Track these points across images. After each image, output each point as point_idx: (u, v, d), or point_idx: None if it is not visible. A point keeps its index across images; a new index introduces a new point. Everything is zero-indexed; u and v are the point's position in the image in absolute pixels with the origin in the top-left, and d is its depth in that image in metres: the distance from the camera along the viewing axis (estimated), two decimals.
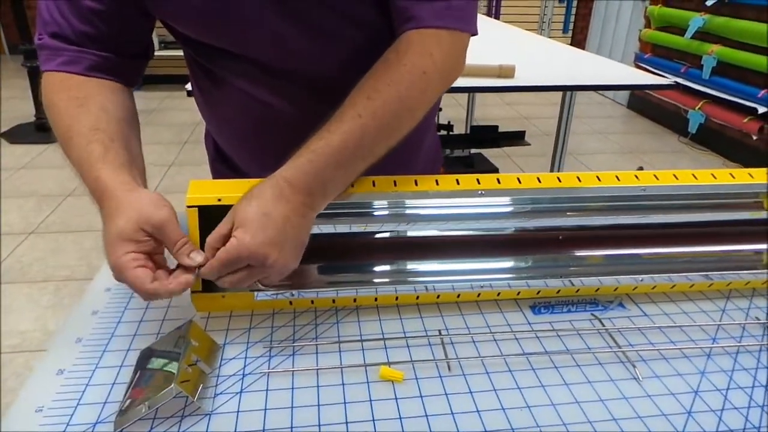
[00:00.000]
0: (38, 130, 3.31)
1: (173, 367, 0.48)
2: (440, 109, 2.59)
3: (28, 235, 2.26)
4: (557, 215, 0.62)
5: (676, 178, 0.63)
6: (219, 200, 0.56)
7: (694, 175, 0.64)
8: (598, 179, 0.62)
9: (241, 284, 0.51)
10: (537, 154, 3.20)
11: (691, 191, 0.63)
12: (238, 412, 0.48)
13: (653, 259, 0.65)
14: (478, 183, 0.60)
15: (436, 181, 0.60)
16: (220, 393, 0.50)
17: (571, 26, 4.91)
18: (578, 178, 0.62)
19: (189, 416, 0.47)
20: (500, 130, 2.55)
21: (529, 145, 2.58)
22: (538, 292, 0.62)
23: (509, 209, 0.61)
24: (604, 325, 0.59)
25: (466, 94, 3.18)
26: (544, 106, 4.30)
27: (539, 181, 0.61)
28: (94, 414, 0.47)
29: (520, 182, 0.61)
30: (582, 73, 1.84)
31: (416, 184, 0.60)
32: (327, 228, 0.59)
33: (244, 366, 0.53)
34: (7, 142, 3.16)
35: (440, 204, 0.61)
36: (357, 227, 0.61)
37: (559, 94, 2.01)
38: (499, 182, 0.61)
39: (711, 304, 0.64)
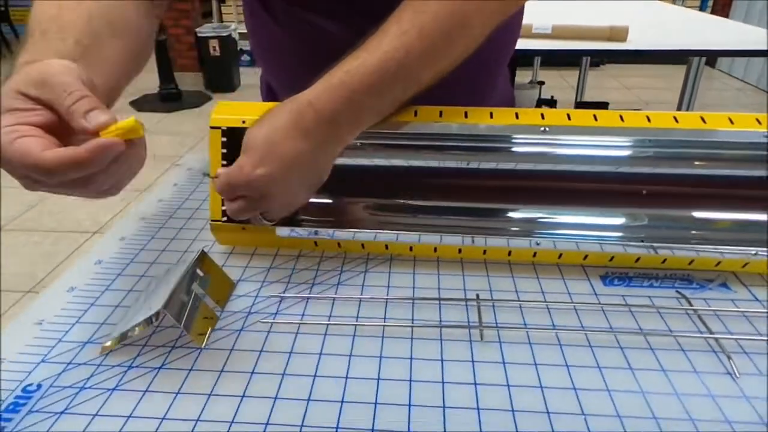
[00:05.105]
0: (161, 100, 3.61)
1: (167, 295, 0.44)
2: (542, 83, 2.40)
3: (140, 193, 2.44)
4: (643, 163, 0.50)
5: None
6: (243, 122, 0.51)
7: None
8: (703, 121, 0.48)
9: (241, 214, 0.46)
10: None
11: None
12: (231, 350, 0.43)
13: None
14: (542, 118, 0.50)
15: (491, 113, 0.50)
16: (219, 329, 0.45)
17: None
18: (675, 118, 0.49)
19: (179, 348, 0.43)
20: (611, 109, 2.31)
21: None
22: (612, 259, 0.51)
23: (582, 152, 0.50)
24: (692, 305, 0.47)
25: (576, 73, 2.93)
26: (670, 91, 3.86)
27: (622, 120, 0.49)
28: (88, 333, 0.44)
29: (596, 119, 0.49)
30: (708, 39, 1.58)
31: (466, 116, 0.50)
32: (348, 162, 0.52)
33: (252, 305, 0.48)
34: (133, 109, 3.47)
35: (496, 138, 0.50)
36: (387, 162, 0.53)
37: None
38: (569, 118, 0.49)
39: None
